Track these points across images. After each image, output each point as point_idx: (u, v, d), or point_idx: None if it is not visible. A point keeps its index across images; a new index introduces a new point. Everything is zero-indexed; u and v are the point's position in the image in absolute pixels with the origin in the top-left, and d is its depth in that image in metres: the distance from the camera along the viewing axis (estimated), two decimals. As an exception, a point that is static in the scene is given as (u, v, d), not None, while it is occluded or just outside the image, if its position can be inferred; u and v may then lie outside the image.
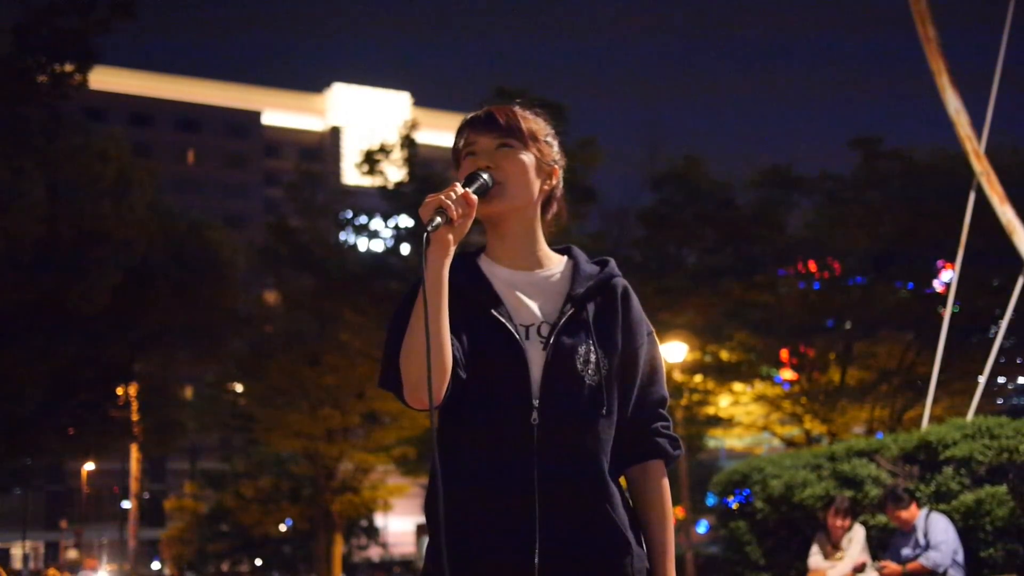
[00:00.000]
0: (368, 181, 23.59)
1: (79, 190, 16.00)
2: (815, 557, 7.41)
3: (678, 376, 21.70)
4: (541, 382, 1.96)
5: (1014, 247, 9.29)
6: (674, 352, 19.90)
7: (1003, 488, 6.87)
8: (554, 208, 2.16)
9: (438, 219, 1.82)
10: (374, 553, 48.66)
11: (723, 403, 24.05)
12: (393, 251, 24.24)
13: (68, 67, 16.86)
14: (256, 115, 77.32)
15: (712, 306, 21.94)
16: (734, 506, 8.75)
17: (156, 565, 51.04)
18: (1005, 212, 9.39)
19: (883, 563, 7.03)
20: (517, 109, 2.10)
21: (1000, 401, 26.68)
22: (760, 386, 23.33)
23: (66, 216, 15.89)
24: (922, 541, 6.85)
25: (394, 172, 23.16)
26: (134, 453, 33.31)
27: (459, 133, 2.10)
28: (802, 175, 22.47)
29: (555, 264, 2.11)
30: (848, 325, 21.99)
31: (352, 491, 28.09)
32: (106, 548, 49.58)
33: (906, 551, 6.94)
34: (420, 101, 79.36)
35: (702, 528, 42.98)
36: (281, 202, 33.64)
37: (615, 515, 1.96)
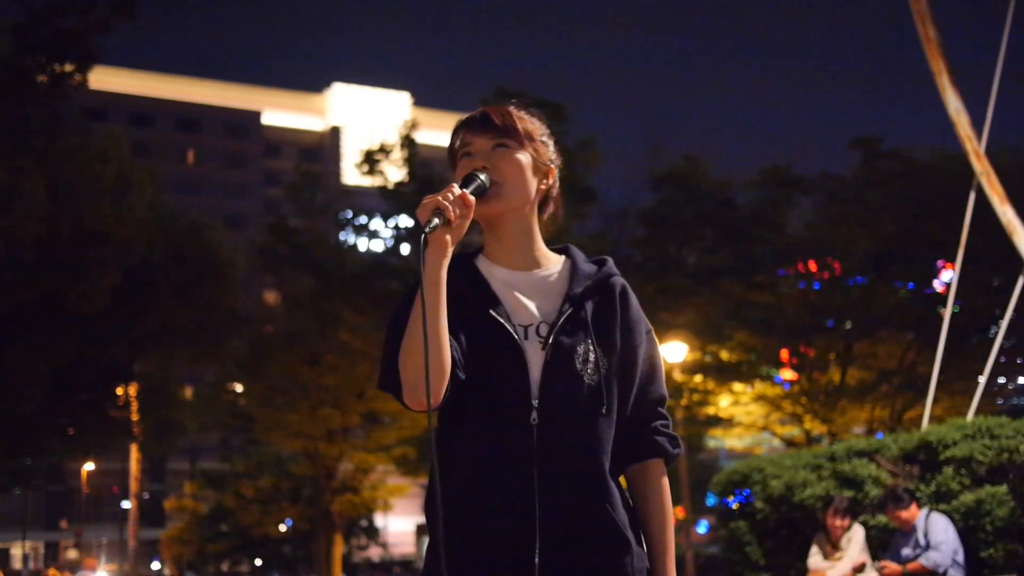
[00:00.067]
0: (368, 181, 23.59)
1: (79, 190, 16.00)
2: (815, 557, 7.41)
3: (678, 376, 21.69)
4: (540, 382, 1.96)
5: (1014, 247, 9.29)
6: (674, 352, 19.90)
7: (1003, 488, 6.87)
8: (551, 208, 2.16)
9: (436, 220, 1.82)
10: (374, 553, 48.68)
11: (723, 403, 24.05)
12: (393, 251, 24.25)
13: (68, 67, 16.84)
14: (256, 115, 77.35)
15: (712, 306, 21.94)
16: (734, 506, 8.75)
17: (156, 565, 51.06)
18: (1005, 212, 9.38)
19: (883, 563, 7.03)
20: (512, 109, 2.10)
21: (1000, 401, 26.69)
22: (760, 386, 23.32)
23: (66, 216, 15.88)
24: (922, 541, 6.85)
25: (394, 172, 23.16)
26: (134, 453, 33.32)
27: (455, 134, 2.10)
28: (802, 175, 22.49)
29: (553, 264, 2.11)
30: (848, 325, 21.98)
31: (352, 491, 28.06)
32: (105, 548, 49.59)
33: (906, 551, 6.94)
34: (420, 101, 79.47)
35: (702, 528, 42.99)
36: (281, 202, 33.68)
37: (615, 515, 1.96)
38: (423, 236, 1.82)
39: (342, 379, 24.11)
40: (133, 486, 35.72)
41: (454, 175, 2.06)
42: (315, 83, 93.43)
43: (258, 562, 42.78)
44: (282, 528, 37.72)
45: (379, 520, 43.44)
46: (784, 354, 22.79)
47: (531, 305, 2.04)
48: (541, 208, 2.14)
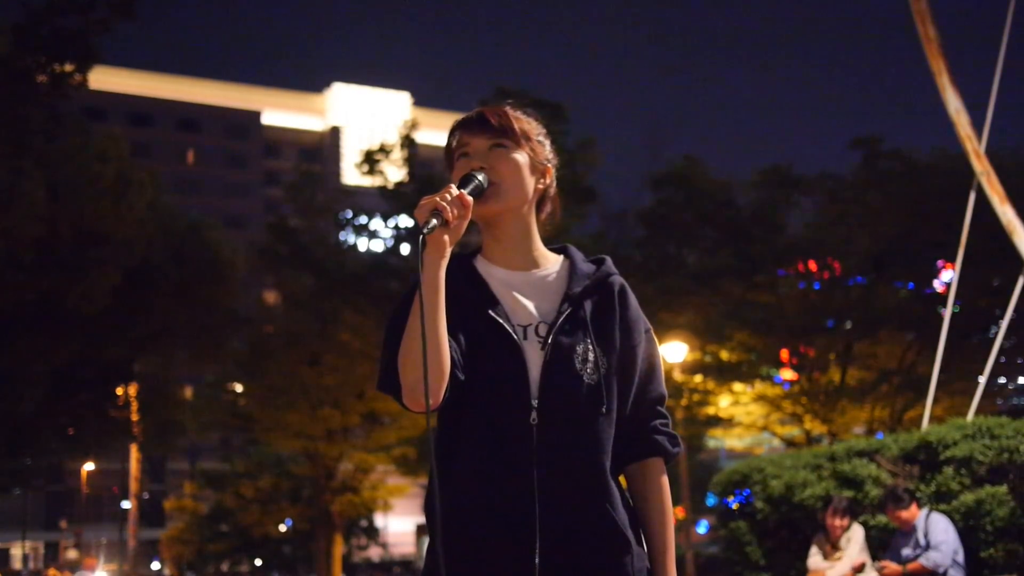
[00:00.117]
0: (368, 181, 23.59)
1: (79, 190, 15.98)
2: (814, 558, 7.41)
3: (678, 376, 21.69)
4: (540, 382, 1.96)
5: (1014, 247, 9.29)
6: (674, 352, 19.89)
7: (1003, 488, 6.87)
8: (548, 207, 2.16)
9: (434, 221, 1.82)
10: (374, 553, 48.67)
11: (723, 403, 24.03)
12: (393, 251, 24.25)
13: (68, 67, 16.84)
14: (256, 115, 77.36)
15: (712, 306, 21.93)
16: (734, 506, 8.75)
17: (156, 565, 51.06)
18: (1005, 212, 9.38)
19: (883, 563, 7.02)
20: (508, 109, 2.10)
21: (1000, 401, 26.67)
22: (760, 386, 23.31)
23: (66, 216, 15.87)
24: (922, 541, 6.85)
25: (394, 172, 23.17)
26: (134, 453, 33.32)
27: (451, 135, 2.10)
28: (802, 175, 22.48)
29: (551, 263, 2.11)
30: (848, 325, 21.97)
31: (352, 491, 28.06)
32: (105, 548, 49.57)
33: (906, 551, 6.93)
34: (420, 101, 79.48)
35: (702, 528, 42.98)
36: (281, 202, 33.63)
37: (615, 514, 1.96)
38: (421, 237, 1.82)
39: (342, 379, 24.11)
40: (133, 486, 35.71)
41: (451, 176, 2.05)
42: (315, 83, 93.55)
43: (258, 562, 42.77)
44: (282, 528, 37.71)
45: (379, 520, 43.43)
46: (784, 354, 22.78)
47: (530, 305, 2.04)
48: (539, 208, 2.13)
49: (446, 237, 1.86)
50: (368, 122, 73.50)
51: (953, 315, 11.26)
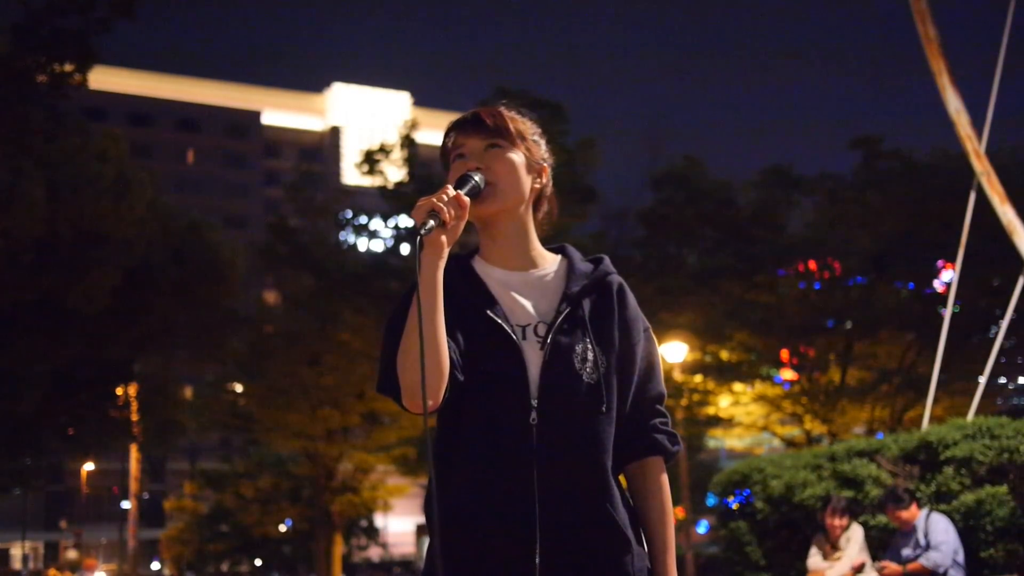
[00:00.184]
0: (368, 181, 23.60)
1: (79, 190, 15.97)
2: (814, 558, 7.40)
3: (678, 376, 21.69)
4: (539, 381, 1.95)
5: (1014, 247, 9.29)
6: (674, 352, 19.90)
7: (1003, 488, 6.87)
8: (545, 207, 2.16)
9: (431, 222, 1.82)
10: (374, 553, 48.66)
11: (723, 403, 24.05)
12: (393, 251, 24.25)
13: (68, 67, 16.84)
14: (256, 115, 77.36)
15: (712, 306, 21.95)
16: (734, 506, 8.75)
17: (156, 565, 51.05)
18: (1005, 212, 9.38)
19: (883, 563, 7.02)
20: (503, 110, 2.10)
21: (1001, 401, 26.68)
22: (760, 386, 23.33)
23: (66, 216, 15.86)
24: (922, 541, 6.84)
25: (394, 172, 23.17)
26: (134, 453, 33.25)
27: (446, 136, 2.10)
28: (802, 175, 22.50)
29: (549, 263, 2.11)
30: (848, 325, 21.98)
31: (352, 491, 28.07)
32: (105, 548, 49.58)
33: (906, 551, 6.93)
34: (420, 101, 79.49)
35: (702, 528, 42.98)
36: (281, 202, 33.65)
37: (615, 514, 1.95)
38: (419, 238, 1.81)
39: (342, 379, 24.12)
40: (133, 486, 35.63)
41: (448, 177, 2.05)
42: (315, 83, 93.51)
43: (258, 562, 42.76)
44: (282, 528, 37.70)
45: (379, 520, 43.43)
46: (784, 354, 22.80)
47: (528, 305, 2.04)
48: (535, 207, 2.13)
49: (443, 238, 1.85)
50: (368, 122, 73.52)
51: (953, 315, 11.26)
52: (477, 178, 1.98)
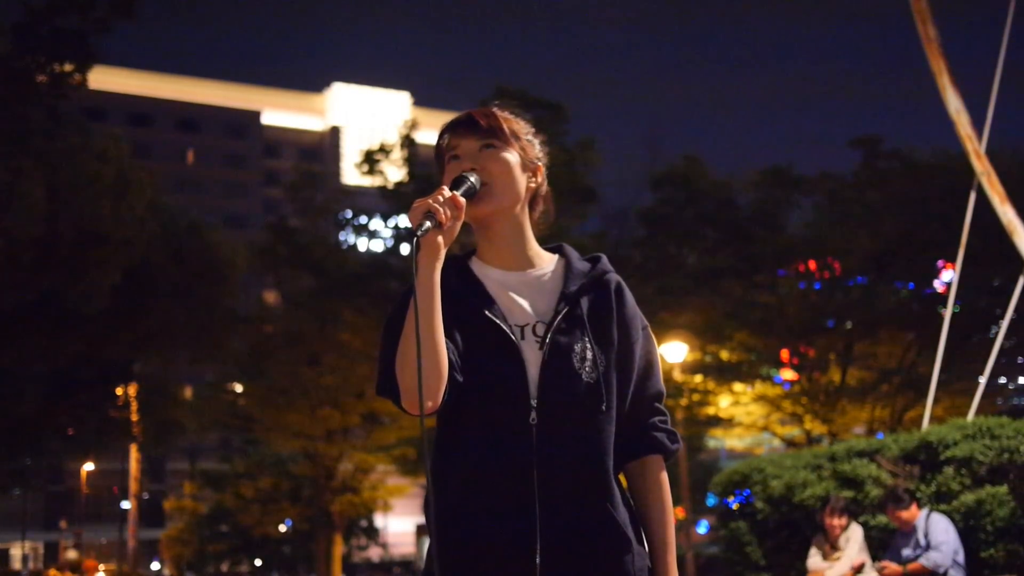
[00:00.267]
0: (368, 181, 23.59)
1: (79, 190, 15.97)
2: (814, 558, 7.40)
3: (678, 376, 21.69)
4: (539, 381, 1.95)
5: (1015, 247, 9.29)
6: (674, 352, 19.89)
7: (1004, 488, 6.87)
8: (541, 206, 2.16)
9: (427, 223, 1.82)
10: (374, 553, 48.67)
11: (723, 403, 24.04)
12: (393, 251, 24.26)
13: (68, 67, 16.84)
14: (256, 115, 77.36)
15: (712, 306, 21.94)
16: (734, 506, 8.75)
17: (156, 565, 51.04)
18: (1006, 212, 9.38)
19: (883, 563, 7.02)
20: (496, 110, 2.10)
21: (1001, 401, 26.67)
22: (760, 386, 23.32)
23: (66, 216, 15.86)
24: (923, 541, 6.84)
25: (394, 172, 23.16)
26: (134, 453, 33.29)
27: (440, 137, 2.11)
28: (802, 175, 22.49)
29: (547, 263, 2.11)
30: (848, 325, 21.98)
31: (352, 491, 28.06)
32: (105, 548, 49.56)
33: (907, 551, 6.93)
34: (420, 101, 79.52)
35: (702, 528, 42.98)
36: (281, 202, 33.65)
37: (616, 513, 1.95)
38: (415, 240, 1.82)
39: (342, 379, 24.12)
40: (133, 486, 35.65)
41: (443, 179, 2.05)
42: (315, 83, 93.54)
43: (258, 562, 42.76)
44: (282, 528, 37.70)
45: (379, 520, 43.42)
46: (784, 354, 22.79)
47: (526, 305, 2.04)
48: (531, 207, 2.13)
49: (440, 239, 1.86)
50: (368, 122, 73.53)
51: (953, 315, 11.26)
52: (473, 179, 1.98)
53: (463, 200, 1.89)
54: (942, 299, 20.71)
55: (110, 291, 16.65)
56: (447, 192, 1.88)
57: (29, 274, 15.92)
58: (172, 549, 42.45)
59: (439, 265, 1.87)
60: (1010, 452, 6.93)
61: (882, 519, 7.43)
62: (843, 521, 7.27)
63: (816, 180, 22.40)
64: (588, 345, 1.99)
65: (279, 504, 33.99)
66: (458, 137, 2.06)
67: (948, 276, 19.90)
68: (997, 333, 12.10)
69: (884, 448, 7.90)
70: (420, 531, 56.39)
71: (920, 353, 20.76)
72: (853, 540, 7.24)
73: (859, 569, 7.14)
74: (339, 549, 28.47)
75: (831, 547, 7.32)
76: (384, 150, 23.02)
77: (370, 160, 23.05)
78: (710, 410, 24.20)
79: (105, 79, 47.54)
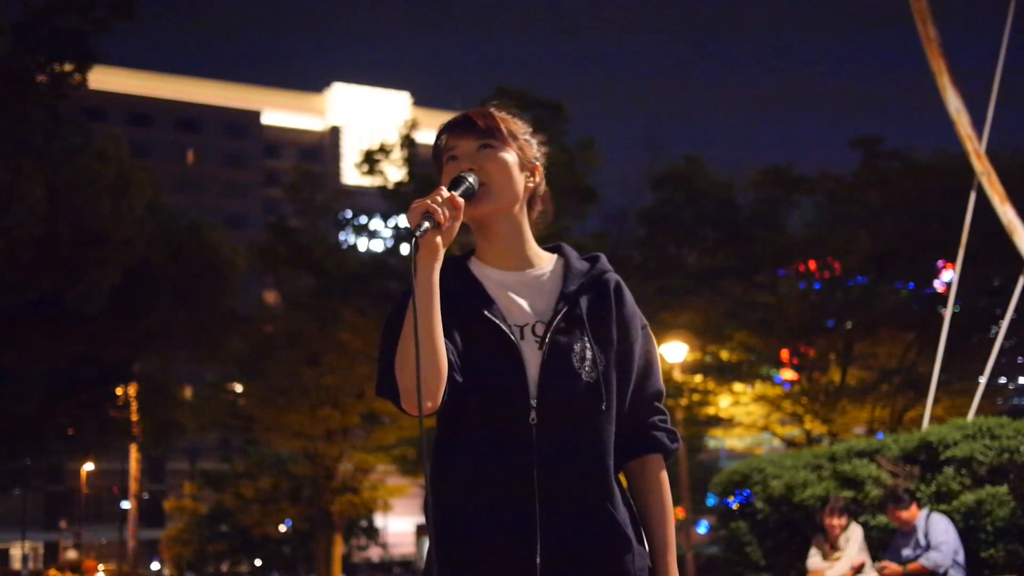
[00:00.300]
0: (368, 181, 23.59)
1: (79, 190, 15.97)
2: (814, 559, 7.40)
3: (678, 376, 21.68)
4: (538, 381, 1.95)
5: (1015, 247, 9.28)
6: (674, 352, 19.88)
7: (1004, 488, 6.87)
8: (539, 206, 2.16)
9: (426, 224, 1.82)
10: (374, 553, 48.65)
11: (723, 403, 24.04)
12: (393, 251, 24.25)
13: (67, 67, 16.84)
14: (256, 115, 77.34)
15: (712, 306, 21.94)
16: (734, 506, 8.75)
17: (155, 566, 51.02)
18: (1006, 212, 9.38)
19: (883, 563, 7.02)
20: (493, 110, 2.10)
21: (1001, 401, 26.67)
22: (760, 386, 23.32)
23: (66, 216, 15.86)
24: (923, 541, 6.84)
25: (394, 172, 23.16)
26: (133, 453, 33.28)
27: (438, 138, 2.11)
28: (802, 175, 22.47)
29: (546, 263, 2.11)
30: (849, 325, 21.98)
31: (352, 491, 28.05)
32: (104, 548, 49.54)
33: (907, 551, 6.93)
34: (420, 101, 79.47)
35: (702, 528, 42.98)
36: (281, 202, 33.67)
37: (616, 513, 1.95)
38: (413, 240, 1.82)
39: (342, 379, 24.11)
40: (133, 486, 35.65)
41: (440, 180, 2.05)
42: (315, 83, 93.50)
43: (258, 562, 42.72)
44: (282, 528, 37.70)
45: (379, 520, 43.41)
46: (784, 354, 22.79)
47: (525, 304, 2.04)
48: (530, 207, 2.13)
49: (438, 239, 1.85)
50: (368, 122, 73.52)
51: (953, 315, 11.25)
52: (471, 179, 1.97)
53: (461, 200, 1.89)
54: (942, 299, 20.71)
55: (110, 291, 16.65)
56: (445, 192, 1.88)
57: (29, 274, 15.92)
58: (172, 549, 42.44)
59: (438, 266, 1.87)
60: (1010, 452, 6.93)
61: (882, 519, 7.43)
62: (843, 521, 7.27)
63: (816, 180, 22.38)
64: (587, 345, 1.99)
65: (279, 504, 33.99)
66: (455, 138, 2.06)
67: (948, 276, 19.90)
68: (997, 333, 12.09)
69: (884, 448, 7.89)
70: (420, 531, 56.38)
71: (920, 353, 20.76)
72: (853, 540, 7.24)
73: (859, 569, 7.14)
74: (339, 549, 28.46)
75: (831, 547, 7.31)
76: (384, 150, 23.01)
77: (370, 160, 23.05)
78: (710, 410, 24.20)
79: (105, 79, 47.53)
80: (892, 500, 7.03)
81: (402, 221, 23.41)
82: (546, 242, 2.16)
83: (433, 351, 1.84)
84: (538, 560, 1.89)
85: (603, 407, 1.97)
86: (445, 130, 2.10)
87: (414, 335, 1.80)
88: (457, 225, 1.89)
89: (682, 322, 21.31)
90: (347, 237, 25.99)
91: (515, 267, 2.08)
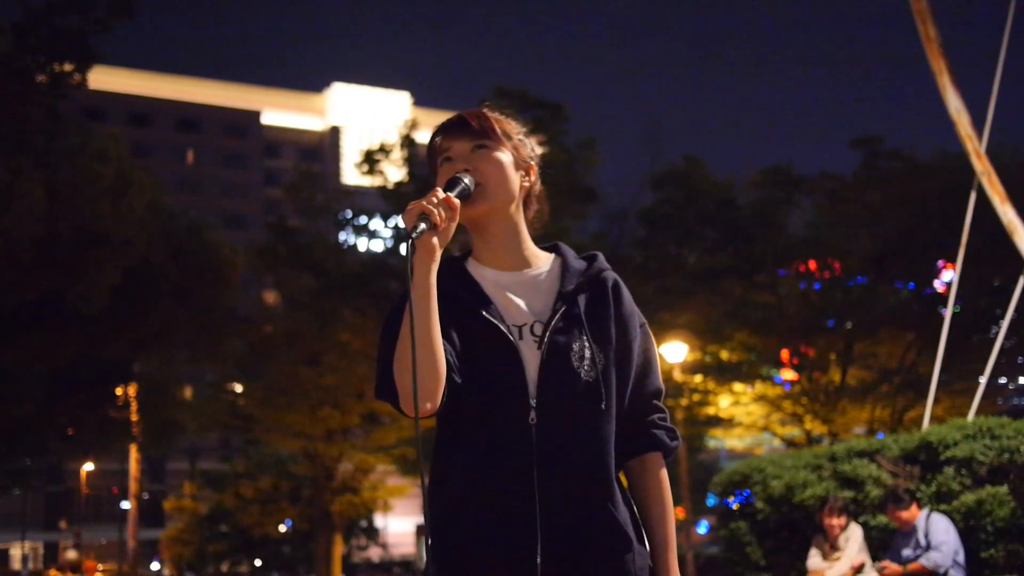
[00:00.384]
0: (368, 181, 23.59)
1: (78, 190, 15.96)
2: (814, 559, 7.39)
3: (678, 376, 21.68)
4: (537, 381, 1.95)
5: (1015, 247, 9.28)
6: (674, 352, 19.88)
7: (1004, 488, 6.86)
8: (535, 206, 2.16)
9: (422, 225, 1.82)
10: (374, 553, 48.66)
11: (723, 403, 24.03)
12: (393, 251, 24.25)
13: (67, 67, 16.84)
14: (256, 115, 77.34)
15: (712, 306, 21.95)
16: (734, 506, 8.74)
17: (155, 566, 51.03)
18: (1006, 212, 9.38)
19: (884, 563, 7.01)
20: (487, 111, 2.11)
21: (1001, 401, 26.67)
22: (760, 386, 23.32)
23: (66, 216, 15.85)
24: (923, 542, 6.84)
25: (394, 172, 23.16)
26: (133, 453, 33.26)
27: (432, 140, 2.11)
28: (802, 175, 22.47)
29: (543, 262, 2.11)
30: (849, 325, 21.97)
31: (352, 491, 28.05)
32: (104, 548, 49.53)
33: (907, 552, 6.93)
34: (420, 101, 79.55)
35: (702, 529, 42.99)
36: (281, 202, 33.64)
37: (616, 512, 1.95)
38: (410, 241, 1.82)
39: (342, 379, 24.09)
40: (132, 486, 35.63)
41: (436, 182, 2.05)
42: (315, 83, 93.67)
43: (258, 562, 42.73)
44: (282, 528, 37.70)
45: (379, 520, 43.42)
46: (784, 354, 22.79)
47: (523, 304, 2.04)
48: (526, 206, 2.13)
49: (435, 240, 1.86)
50: (368, 122, 73.52)
51: (954, 315, 11.25)
52: (467, 180, 1.98)
53: (457, 202, 1.89)
54: (942, 299, 20.71)
55: (110, 291, 16.64)
56: (441, 194, 1.88)
57: (29, 274, 15.91)
58: (172, 549, 42.45)
59: (435, 267, 1.87)
60: (1010, 452, 6.92)
61: (882, 519, 7.42)
62: (842, 521, 7.26)
63: (816, 180, 22.38)
64: (586, 344, 1.99)
65: (279, 504, 34.00)
66: (450, 139, 2.07)
67: (948, 276, 19.89)
68: (997, 333, 12.10)
69: (884, 448, 7.89)
70: (420, 531, 56.36)
71: (920, 353, 20.76)
72: (853, 540, 7.23)
73: (859, 569, 7.13)
74: (339, 549, 28.46)
75: (831, 547, 7.31)
76: (384, 150, 23.01)
77: (370, 160, 23.05)
78: (710, 410, 24.20)
79: (105, 79, 47.58)
80: (892, 500, 7.03)
81: (402, 221, 23.40)
82: (545, 242, 2.16)
83: (431, 352, 1.84)
84: (539, 560, 1.89)
85: (602, 406, 1.97)
86: (439, 132, 2.10)
87: (411, 337, 1.80)
88: (453, 226, 1.89)
89: (682, 322, 21.31)
90: (347, 237, 25.98)
91: (512, 267, 2.08)
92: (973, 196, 9.70)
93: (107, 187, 16.41)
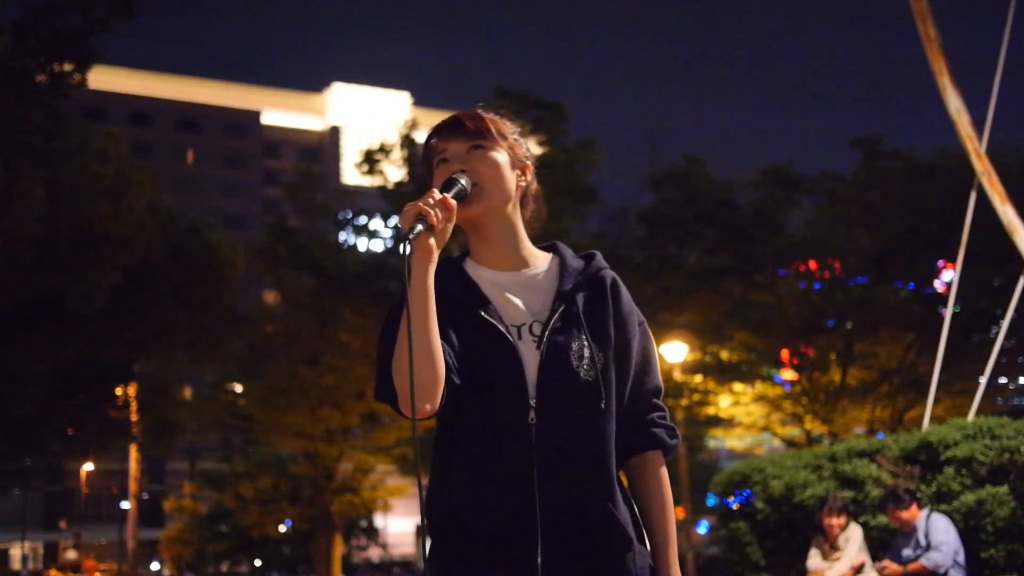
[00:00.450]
0: (368, 181, 23.59)
1: (78, 190, 15.95)
2: (813, 559, 7.39)
3: (678, 376, 21.68)
4: (537, 381, 1.95)
5: (1015, 247, 9.28)
6: (674, 352, 19.88)
7: (1004, 488, 6.86)
8: (531, 205, 2.16)
9: (419, 226, 1.82)
10: (374, 554, 48.66)
11: (723, 403, 24.03)
12: (393, 251, 24.23)
13: (67, 67, 16.84)
14: (256, 115, 77.35)
15: (712, 306, 21.94)
16: (735, 507, 8.74)
17: (155, 566, 51.00)
18: (1006, 212, 9.37)
19: (884, 563, 7.01)
20: (482, 111, 2.11)
21: (1001, 401, 26.67)
22: (761, 386, 23.31)
23: (66, 216, 15.84)
24: (923, 542, 6.83)
25: (394, 172, 23.16)
26: (133, 453, 33.25)
27: (428, 141, 2.11)
28: (803, 175, 22.46)
29: (541, 262, 2.11)
30: (849, 325, 21.97)
31: (352, 491, 28.05)
32: (102, 548, 49.53)
33: (907, 552, 6.92)
34: (420, 101, 79.56)
35: (702, 529, 42.97)
36: (281, 202, 33.62)
37: (617, 512, 1.95)
38: (407, 243, 1.81)
39: (342, 379, 24.10)
40: (132, 486, 35.60)
41: (432, 183, 2.05)
42: (315, 83, 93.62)
43: (258, 563, 42.71)
44: (282, 528, 37.68)
45: (379, 520, 43.42)
46: (784, 354, 22.78)
47: (522, 304, 2.03)
48: (522, 206, 2.13)
49: (432, 241, 1.86)
50: (368, 122, 73.56)
51: (954, 315, 11.25)
52: (463, 181, 1.98)
53: (454, 202, 1.89)
54: (942, 299, 20.70)
55: (110, 291, 16.63)
56: (437, 195, 1.88)
57: (29, 274, 15.91)
58: (172, 549, 42.42)
59: (432, 268, 1.87)
60: (1010, 452, 6.92)
61: (882, 519, 7.42)
62: (841, 521, 7.26)
63: (816, 180, 22.37)
64: (585, 343, 1.99)
65: (279, 504, 33.99)
66: (445, 140, 2.06)
67: (948, 276, 19.89)
68: (997, 333, 12.09)
69: (884, 448, 7.89)
70: (419, 531, 56.36)
71: (920, 353, 20.76)
72: (853, 540, 7.23)
73: (859, 569, 7.13)
74: (339, 549, 28.46)
75: (831, 547, 7.31)
76: (384, 150, 23.02)
77: (370, 160, 23.05)
78: (710, 410, 24.19)
79: (105, 79, 47.58)
80: (892, 500, 7.02)
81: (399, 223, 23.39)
82: (545, 242, 2.16)
83: (430, 353, 1.84)
84: (539, 560, 1.89)
85: (602, 405, 1.97)
86: (435, 133, 2.10)
87: (409, 338, 1.79)
88: (451, 227, 1.89)
89: (682, 322, 21.31)
90: (347, 237, 25.99)
91: (510, 267, 2.08)
92: (973, 196, 9.70)
93: (107, 187, 16.40)
